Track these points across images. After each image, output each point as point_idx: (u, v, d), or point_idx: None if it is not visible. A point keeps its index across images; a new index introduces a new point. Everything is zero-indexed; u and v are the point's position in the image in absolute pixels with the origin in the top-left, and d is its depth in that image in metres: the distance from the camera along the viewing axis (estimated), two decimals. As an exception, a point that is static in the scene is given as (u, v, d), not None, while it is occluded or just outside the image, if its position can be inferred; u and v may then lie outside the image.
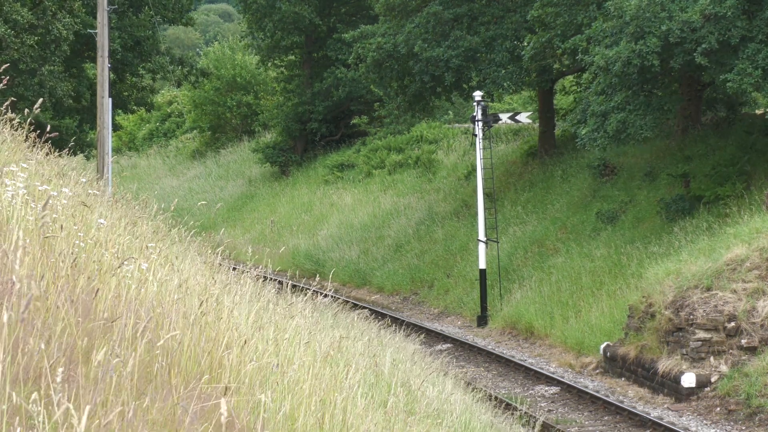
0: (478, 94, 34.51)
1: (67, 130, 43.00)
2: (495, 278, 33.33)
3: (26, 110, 10.86)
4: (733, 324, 22.25)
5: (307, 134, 58.54)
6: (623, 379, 24.61)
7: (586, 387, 24.34)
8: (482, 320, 32.49)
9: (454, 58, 37.29)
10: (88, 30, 40.21)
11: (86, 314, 6.46)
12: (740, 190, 28.83)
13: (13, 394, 5.02)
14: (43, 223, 7.25)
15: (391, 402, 10.73)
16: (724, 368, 22.15)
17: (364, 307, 31.33)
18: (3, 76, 10.35)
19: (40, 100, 10.37)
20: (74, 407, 4.90)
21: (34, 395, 4.98)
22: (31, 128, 12.25)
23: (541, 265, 32.92)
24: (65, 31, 39.41)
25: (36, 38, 38.56)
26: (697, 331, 22.39)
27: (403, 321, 31.12)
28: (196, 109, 70.85)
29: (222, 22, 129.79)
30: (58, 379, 4.96)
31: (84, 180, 12.58)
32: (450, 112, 56.68)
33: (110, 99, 34.20)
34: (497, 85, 37.97)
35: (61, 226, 7.63)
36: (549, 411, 22.97)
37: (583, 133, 29.31)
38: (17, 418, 5.01)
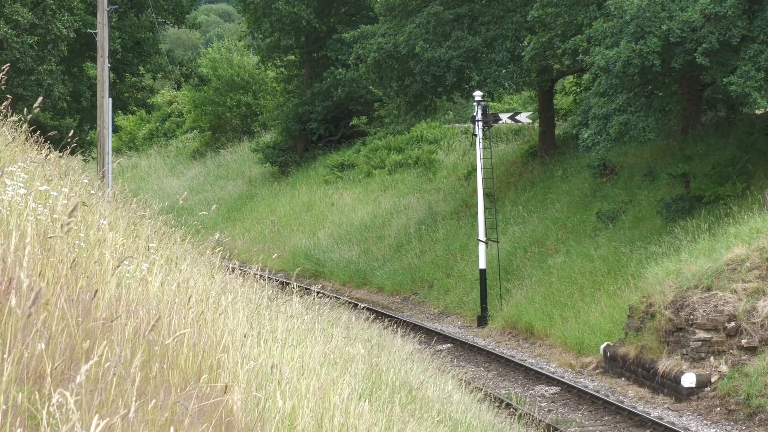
0: (478, 94, 34.50)
1: (67, 130, 43.03)
2: (495, 278, 33.32)
3: (25, 110, 10.86)
4: (733, 324, 22.25)
5: (307, 134, 58.55)
6: (623, 379, 24.62)
7: (586, 387, 24.35)
8: (482, 320, 32.49)
9: (456, 58, 37.30)
10: (89, 30, 40.24)
11: (86, 314, 6.46)
12: (740, 190, 28.82)
13: (11, 394, 5.03)
14: (68, 229, 7.25)
15: (391, 402, 10.74)
16: (724, 368, 22.16)
17: (364, 307, 31.32)
18: (2, 76, 10.35)
19: (39, 98, 10.37)
20: (75, 407, 4.91)
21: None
22: (32, 128, 12.26)
23: (541, 265, 32.91)
24: (65, 30, 39.43)
25: (36, 38, 38.60)
26: (697, 331, 22.39)
27: (404, 321, 31.13)
28: (196, 109, 70.89)
29: (222, 22, 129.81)
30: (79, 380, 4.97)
31: (85, 180, 12.58)
32: (450, 112, 56.67)
33: (110, 99, 34.20)
34: (498, 85, 37.99)
35: (62, 225, 7.63)
36: (549, 411, 22.98)
37: (585, 136, 29.28)
38: (18, 418, 5.01)
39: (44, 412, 4.95)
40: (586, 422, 22.08)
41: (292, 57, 59.87)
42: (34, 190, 8.27)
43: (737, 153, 30.95)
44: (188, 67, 53.76)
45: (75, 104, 46.64)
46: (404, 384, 14.05)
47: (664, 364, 22.90)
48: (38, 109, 10.19)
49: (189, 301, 8.36)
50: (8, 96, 11.86)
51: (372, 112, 57.11)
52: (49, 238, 7.20)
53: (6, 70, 10.90)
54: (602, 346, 25.89)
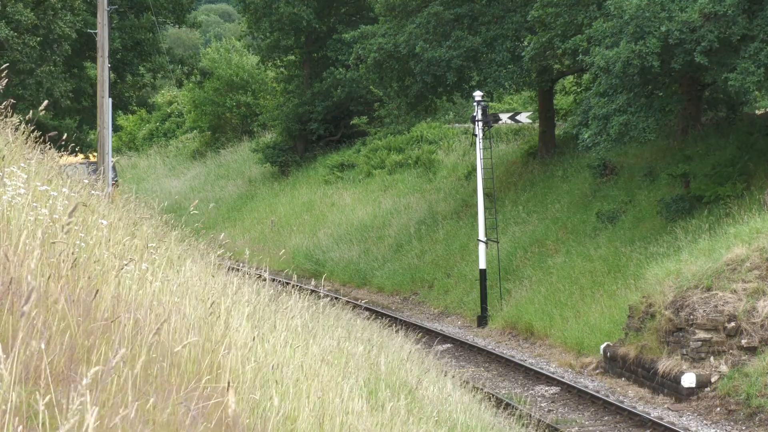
0: (478, 94, 34.50)
1: (67, 130, 43.03)
2: (495, 278, 33.32)
3: (31, 111, 10.86)
4: (733, 324, 22.25)
5: (307, 134, 58.58)
6: (623, 379, 24.62)
7: (586, 387, 24.35)
8: (482, 320, 32.49)
9: (456, 58, 37.29)
10: (89, 30, 40.25)
11: (86, 314, 6.47)
12: (740, 190, 28.82)
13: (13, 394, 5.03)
14: (68, 230, 7.25)
15: (391, 402, 10.74)
16: (724, 368, 22.16)
17: (365, 307, 31.34)
18: (2, 77, 10.36)
19: (45, 102, 10.38)
20: (77, 407, 4.91)
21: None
22: (32, 129, 12.26)
23: (541, 265, 32.91)
24: (68, 30, 39.44)
25: (38, 39, 38.59)
26: (697, 331, 22.39)
27: (404, 321, 31.13)
28: (195, 109, 70.91)
29: (222, 22, 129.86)
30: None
31: (85, 180, 12.59)
32: (450, 112, 56.68)
33: (110, 99, 34.20)
34: (498, 85, 37.99)
35: (62, 226, 7.63)
36: (549, 411, 22.98)
37: (585, 136, 29.28)
38: (18, 417, 5.01)
39: (43, 413, 4.95)
40: (586, 422, 22.08)
41: (292, 57, 59.88)
42: (34, 191, 8.28)
43: (737, 153, 30.95)
44: (189, 64, 53.76)
45: (75, 104, 46.67)
46: (404, 384, 14.06)
47: (664, 364, 22.90)
48: (43, 111, 10.20)
49: (189, 301, 8.36)
50: (12, 100, 11.86)
51: (372, 112, 57.12)
52: (52, 243, 7.20)
53: (5, 72, 10.91)
54: (602, 346, 25.90)
